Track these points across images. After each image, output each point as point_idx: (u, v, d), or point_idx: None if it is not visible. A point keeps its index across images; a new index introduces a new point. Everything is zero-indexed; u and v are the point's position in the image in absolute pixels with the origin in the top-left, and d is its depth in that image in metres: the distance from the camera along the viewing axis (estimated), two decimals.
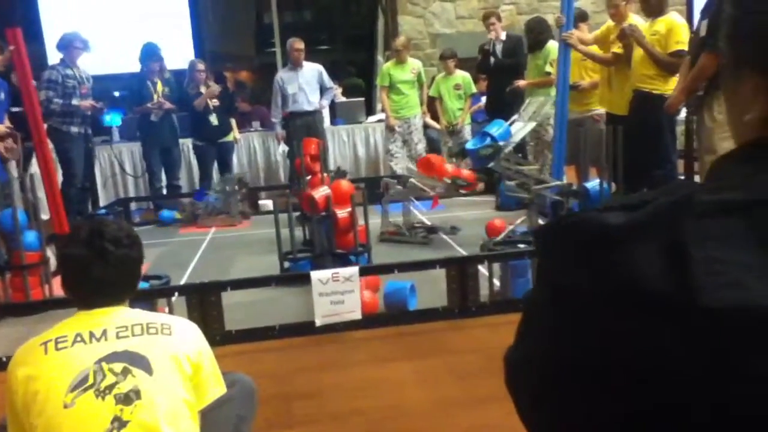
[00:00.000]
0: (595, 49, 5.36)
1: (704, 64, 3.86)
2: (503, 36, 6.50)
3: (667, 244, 0.44)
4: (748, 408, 0.39)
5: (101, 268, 1.53)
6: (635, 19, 4.92)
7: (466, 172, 5.05)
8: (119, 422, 1.39)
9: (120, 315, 1.55)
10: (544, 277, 0.54)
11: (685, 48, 4.32)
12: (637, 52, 4.66)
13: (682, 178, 5.13)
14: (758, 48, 0.52)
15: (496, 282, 3.61)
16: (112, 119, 7.35)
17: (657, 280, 0.43)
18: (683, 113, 5.29)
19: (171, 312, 3.02)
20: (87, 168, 6.17)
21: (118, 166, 7.19)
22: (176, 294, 3.23)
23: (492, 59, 6.53)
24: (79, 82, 5.89)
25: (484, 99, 7.61)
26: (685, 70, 4.17)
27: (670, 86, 4.47)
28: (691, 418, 0.41)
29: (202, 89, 6.56)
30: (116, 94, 8.31)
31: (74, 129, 5.87)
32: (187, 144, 7.06)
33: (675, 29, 4.46)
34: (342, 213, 3.98)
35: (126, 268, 1.58)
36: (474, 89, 7.20)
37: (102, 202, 6.87)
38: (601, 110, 5.45)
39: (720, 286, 0.41)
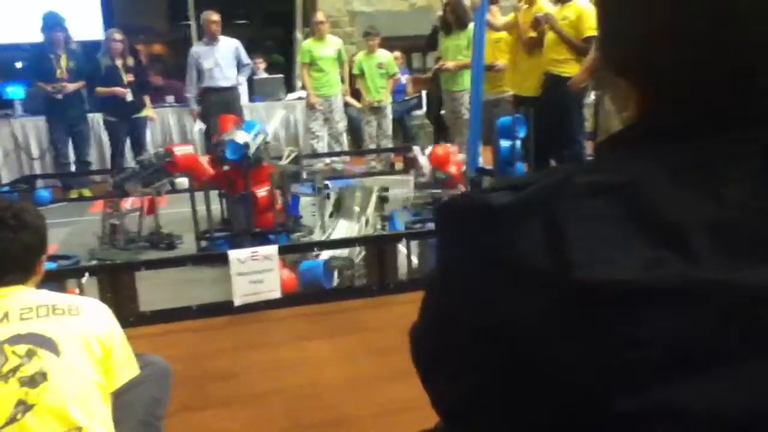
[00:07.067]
0: (503, 35, 5.50)
1: None
2: None
3: (546, 223, 0.46)
4: (614, 375, 0.42)
5: None
6: (545, 6, 5.06)
7: None
8: (24, 406, 1.34)
9: (23, 296, 1.49)
10: (437, 253, 0.58)
11: (596, 34, 4.50)
12: (549, 37, 4.82)
13: (590, 158, 5.36)
14: (621, 58, 0.54)
15: (414, 259, 3.67)
16: (14, 92, 6.92)
17: (536, 257, 0.45)
18: (593, 96, 5.52)
19: (82, 293, 2.91)
20: None
21: (21, 142, 6.80)
22: (87, 274, 3.11)
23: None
24: None
25: (405, 76, 7.68)
26: (593, 51, 4.36)
27: (578, 69, 4.65)
28: (562, 386, 0.44)
29: (118, 62, 6.27)
30: (18, 65, 7.83)
31: None
32: (97, 119, 6.76)
33: (585, 16, 4.63)
34: (261, 192, 3.93)
35: (8, 250, 1.50)
36: (396, 69, 7.24)
37: (5, 179, 6.49)
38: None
39: (592, 262, 0.43)
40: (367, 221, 3.86)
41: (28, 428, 1.34)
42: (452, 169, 4.86)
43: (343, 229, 3.80)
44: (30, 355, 1.39)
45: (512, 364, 0.47)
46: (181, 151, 3.98)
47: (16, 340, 1.40)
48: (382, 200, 4.16)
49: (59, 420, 1.37)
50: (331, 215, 4.00)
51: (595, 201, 0.47)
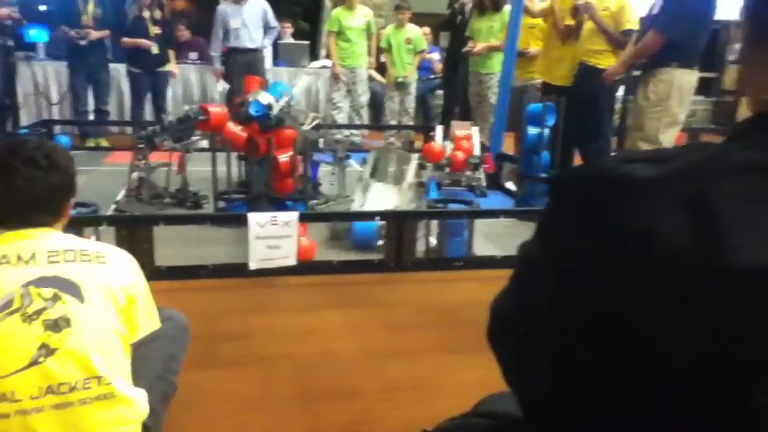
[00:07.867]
0: (538, 21, 5.40)
1: (649, 42, 3.97)
2: None
3: (696, 199, 0.43)
4: (751, 369, 0.39)
5: (8, 187, 1.43)
6: None
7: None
8: (47, 349, 1.32)
9: (51, 239, 1.46)
10: (555, 226, 0.53)
11: (636, 27, 4.42)
12: (586, 27, 4.72)
13: (614, 154, 5.29)
14: None
15: (432, 240, 3.64)
16: (37, 35, 6.87)
17: (680, 234, 0.42)
18: (621, 90, 5.43)
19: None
20: (7, 84, 5.77)
21: (41, 86, 6.77)
22: (105, 224, 3.09)
23: (459, 18, 6.49)
24: None
25: (435, 54, 7.59)
26: (631, 44, 4.29)
27: (614, 62, 4.57)
28: (709, 378, 0.41)
29: (145, 14, 6.21)
30: (42, 8, 7.76)
31: None
32: (119, 69, 6.71)
33: (626, 8, 4.54)
34: (283, 158, 3.89)
35: (38, 190, 1.46)
36: (424, 45, 7.14)
37: (23, 122, 6.47)
38: None
39: (748, 245, 0.40)
40: (410, 185, 3.86)
41: (50, 372, 1.32)
42: (458, 155, 4.86)
43: (380, 191, 3.81)
44: (55, 299, 1.37)
45: (646, 354, 0.43)
46: (215, 110, 3.93)
47: (42, 282, 1.37)
48: (421, 167, 4.17)
49: (80, 367, 1.35)
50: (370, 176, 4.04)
51: (750, 180, 0.43)
